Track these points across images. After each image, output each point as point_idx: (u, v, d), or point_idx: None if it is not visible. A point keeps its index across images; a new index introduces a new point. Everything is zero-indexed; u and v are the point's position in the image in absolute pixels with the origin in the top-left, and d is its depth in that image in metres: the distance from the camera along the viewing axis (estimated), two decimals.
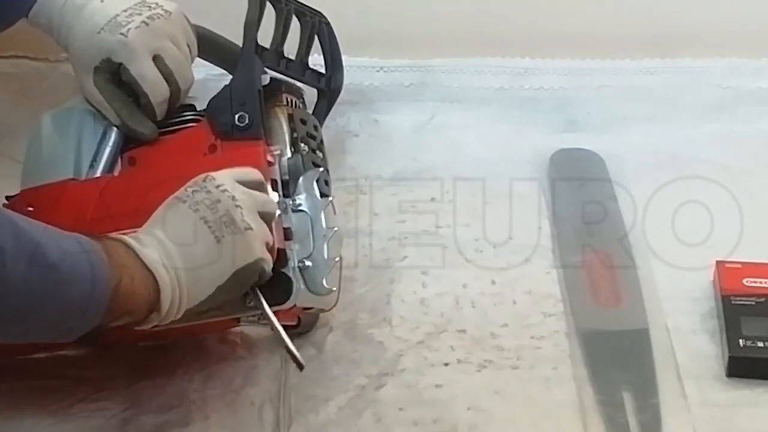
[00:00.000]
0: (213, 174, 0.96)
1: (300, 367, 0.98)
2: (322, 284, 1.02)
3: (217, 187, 0.95)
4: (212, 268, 0.94)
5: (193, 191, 0.95)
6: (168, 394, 1.06)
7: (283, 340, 0.97)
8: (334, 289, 1.03)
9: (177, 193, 0.96)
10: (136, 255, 0.91)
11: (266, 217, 0.98)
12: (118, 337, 0.97)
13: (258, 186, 0.99)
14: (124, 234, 0.93)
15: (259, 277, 0.97)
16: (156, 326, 0.94)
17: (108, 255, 0.89)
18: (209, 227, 0.93)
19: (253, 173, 1.00)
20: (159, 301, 0.91)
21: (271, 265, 0.98)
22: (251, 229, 0.95)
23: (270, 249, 0.98)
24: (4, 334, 0.87)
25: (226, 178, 0.96)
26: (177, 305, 0.93)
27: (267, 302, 0.98)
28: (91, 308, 0.87)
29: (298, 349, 1.09)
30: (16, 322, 0.85)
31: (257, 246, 0.96)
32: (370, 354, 1.10)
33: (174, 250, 0.93)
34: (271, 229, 0.99)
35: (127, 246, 0.91)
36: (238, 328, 1.10)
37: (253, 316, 1.01)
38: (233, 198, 0.95)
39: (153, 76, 1.08)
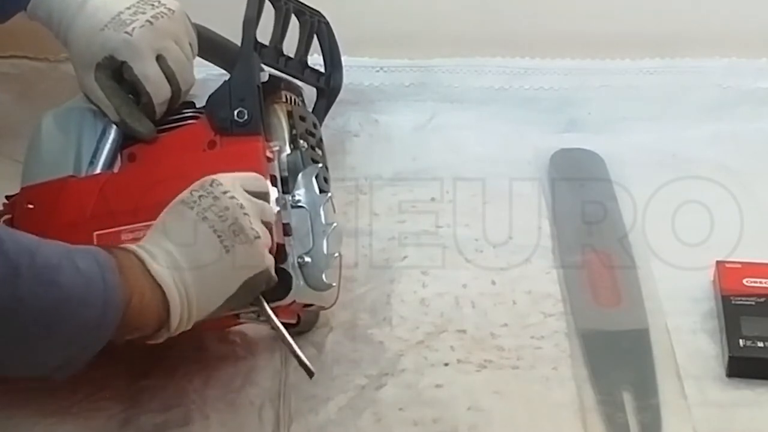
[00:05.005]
0: (219, 178, 0.95)
1: (310, 374, 0.97)
2: (322, 280, 1.01)
3: (224, 192, 0.94)
4: (222, 280, 0.93)
5: (200, 196, 0.93)
6: (168, 394, 1.06)
7: (293, 349, 0.97)
8: (334, 284, 1.03)
9: (183, 197, 0.94)
10: (147, 270, 0.90)
11: (266, 226, 0.97)
12: None
13: (262, 196, 0.98)
14: (134, 242, 0.93)
15: (265, 284, 0.96)
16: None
17: (121, 270, 0.88)
18: (218, 237, 0.92)
19: (258, 182, 0.98)
20: (169, 318, 0.91)
21: (274, 269, 0.97)
22: (260, 237, 0.94)
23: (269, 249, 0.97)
24: (10, 359, 0.86)
25: (232, 182, 0.95)
26: (186, 320, 0.92)
27: (267, 302, 0.97)
28: (102, 328, 0.87)
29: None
30: (24, 344, 0.84)
31: (266, 254, 0.95)
32: (370, 354, 1.10)
33: (183, 262, 0.91)
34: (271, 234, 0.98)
35: (139, 259, 0.90)
36: (238, 328, 1.10)
37: (253, 312, 1.00)
38: (241, 206, 0.93)
39: (156, 76, 1.08)
